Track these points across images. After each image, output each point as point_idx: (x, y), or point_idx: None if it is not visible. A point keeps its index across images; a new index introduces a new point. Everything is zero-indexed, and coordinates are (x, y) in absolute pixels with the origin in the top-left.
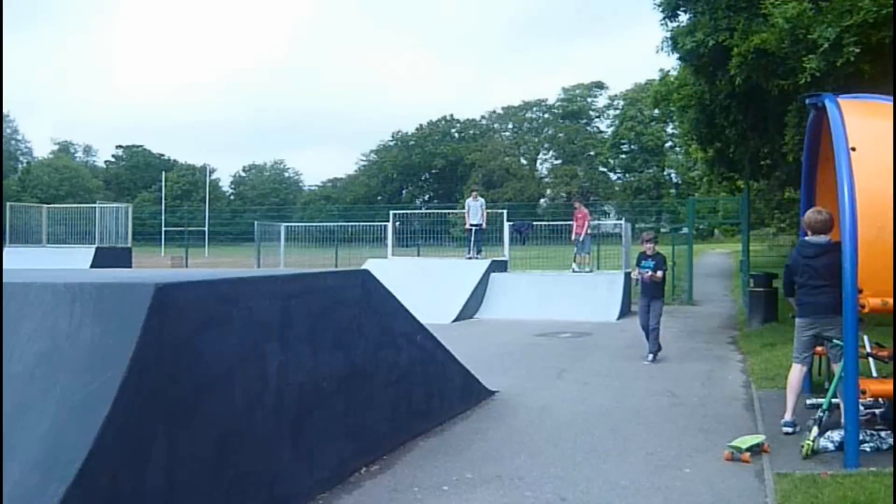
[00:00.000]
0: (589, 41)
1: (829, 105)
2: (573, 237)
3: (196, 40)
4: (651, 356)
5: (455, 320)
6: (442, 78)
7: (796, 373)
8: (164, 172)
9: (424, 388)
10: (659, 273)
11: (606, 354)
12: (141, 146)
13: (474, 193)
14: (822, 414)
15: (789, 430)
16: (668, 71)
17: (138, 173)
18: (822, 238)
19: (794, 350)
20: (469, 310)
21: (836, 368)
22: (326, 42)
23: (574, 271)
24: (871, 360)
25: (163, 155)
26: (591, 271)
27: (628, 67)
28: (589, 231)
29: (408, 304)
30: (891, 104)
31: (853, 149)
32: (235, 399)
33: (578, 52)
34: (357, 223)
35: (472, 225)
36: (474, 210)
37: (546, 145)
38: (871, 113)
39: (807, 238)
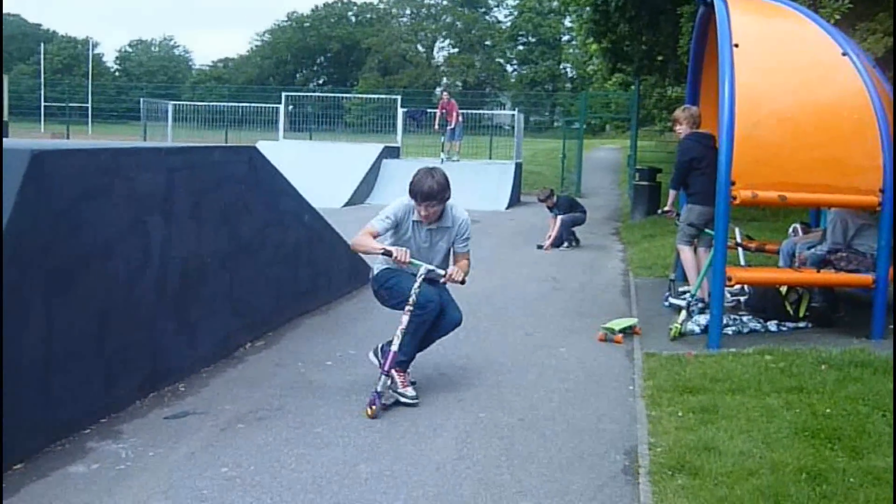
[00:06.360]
0: None
1: (717, 1)
2: (437, 127)
3: None
4: None
5: (346, 205)
6: None
7: (691, 253)
8: (42, 44)
9: (311, 267)
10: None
11: (494, 241)
12: (17, 15)
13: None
14: (690, 299)
15: (701, 305)
16: None
17: (14, 44)
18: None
19: (685, 235)
20: (360, 195)
21: (707, 256)
22: None
23: (443, 161)
24: (740, 250)
25: (41, 25)
26: (458, 160)
27: None
28: (460, 120)
29: (298, 187)
30: (777, 3)
31: (736, 45)
32: (117, 272)
33: None
34: (248, 104)
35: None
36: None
37: (444, 33)
38: (756, 10)
39: (699, 130)
